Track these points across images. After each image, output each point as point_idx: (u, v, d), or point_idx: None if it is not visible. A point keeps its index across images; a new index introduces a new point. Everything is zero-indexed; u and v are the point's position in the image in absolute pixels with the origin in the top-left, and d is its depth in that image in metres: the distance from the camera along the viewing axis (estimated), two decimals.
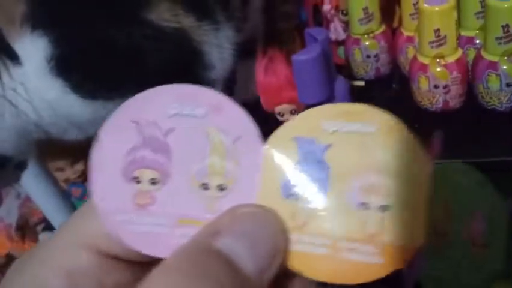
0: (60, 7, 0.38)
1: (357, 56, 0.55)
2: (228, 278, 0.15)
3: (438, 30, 0.44)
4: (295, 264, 0.16)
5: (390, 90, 0.55)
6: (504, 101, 0.45)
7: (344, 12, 0.55)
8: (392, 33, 0.55)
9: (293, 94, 0.47)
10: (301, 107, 0.49)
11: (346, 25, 0.56)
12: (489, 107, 0.46)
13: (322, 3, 0.57)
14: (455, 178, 0.19)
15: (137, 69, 0.40)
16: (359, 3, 0.51)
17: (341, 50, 0.59)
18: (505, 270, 0.19)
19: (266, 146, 0.17)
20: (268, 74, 0.48)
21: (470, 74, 0.47)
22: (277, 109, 0.49)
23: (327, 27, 0.58)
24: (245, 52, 0.49)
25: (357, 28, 0.53)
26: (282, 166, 0.17)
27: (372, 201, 0.16)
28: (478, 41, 0.48)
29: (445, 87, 0.46)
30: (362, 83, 0.56)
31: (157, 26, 0.39)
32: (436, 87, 0.47)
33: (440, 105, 0.48)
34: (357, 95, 0.52)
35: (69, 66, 0.38)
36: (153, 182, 0.18)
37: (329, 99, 0.48)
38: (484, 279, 0.19)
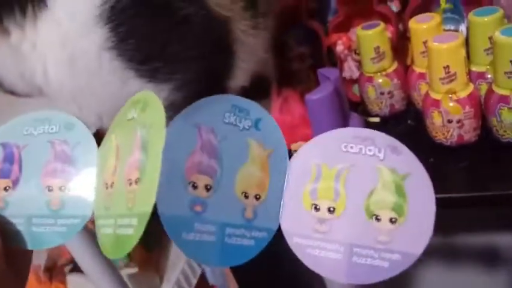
0: None
1: (371, 94, 0.56)
2: None
3: (447, 67, 0.45)
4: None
5: (405, 126, 0.56)
6: None
7: (357, 51, 0.57)
8: (406, 70, 0.56)
9: (308, 132, 0.48)
10: None
11: (360, 64, 0.58)
12: (504, 140, 0.46)
13: (335, 44, 0.59)
14: None
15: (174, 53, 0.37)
16: (370, 43, 0.53)
17: (356, 88, 0.60)
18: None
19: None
20: (283, 113, 0.49)
21: (483, 108, 0.48)
22: (293, 147, 0.50)
23: (342, 67, 0.60)
24: (259, 91, 0.51)
25: (370, 67, 0.54)
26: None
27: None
28: (489, 76, 0.49)
29: (458, 121, 0.47)
30: (376, 119, 0.57)
31: (211, 9, 0.37)
32: (450, 121, 0.47)
33: (454, 139, 0.48)
34: None
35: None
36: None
37: None
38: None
